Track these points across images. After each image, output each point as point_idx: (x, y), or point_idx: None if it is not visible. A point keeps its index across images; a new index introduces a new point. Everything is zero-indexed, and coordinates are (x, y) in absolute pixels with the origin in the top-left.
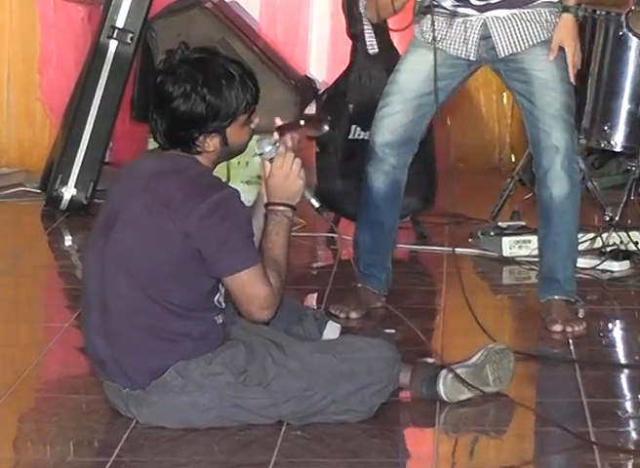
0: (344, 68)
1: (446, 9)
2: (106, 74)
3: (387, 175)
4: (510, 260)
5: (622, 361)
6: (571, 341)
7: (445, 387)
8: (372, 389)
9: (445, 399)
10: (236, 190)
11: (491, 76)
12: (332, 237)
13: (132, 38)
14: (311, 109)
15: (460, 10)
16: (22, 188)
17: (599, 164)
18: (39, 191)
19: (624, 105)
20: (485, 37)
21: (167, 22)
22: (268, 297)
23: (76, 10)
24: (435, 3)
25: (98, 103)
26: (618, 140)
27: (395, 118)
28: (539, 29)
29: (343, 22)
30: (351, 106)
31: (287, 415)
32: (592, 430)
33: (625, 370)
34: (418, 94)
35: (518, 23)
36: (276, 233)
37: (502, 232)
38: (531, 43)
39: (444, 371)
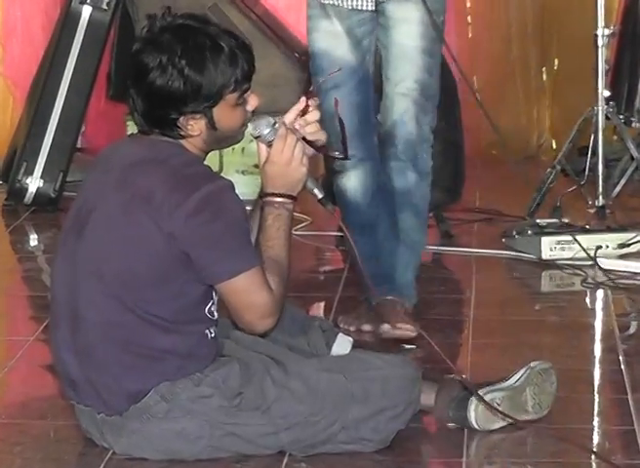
0: None
1: None
2: (79, 45)
3: (357, 169)
4: (551, 264)
5: None
6: (621, 359)
7: (476, 413)
8: (387, 414)
9: (475, 426)
10: (229, 181)
11: (529, 46)
12: (341, 236)
13: (108, 3)
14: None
15: None
16: None
17: None
18: None
19: None
20: None
21: None
22: (270, 305)
23: None
24: None
25: (69, 79)
26: None
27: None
28: None
29: None
30: None
31: (289, 445)
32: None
33: None
34: (352, 69)
35: None
36: (277, 228)
37: (542, 231)
38: None
39: (476, 395)
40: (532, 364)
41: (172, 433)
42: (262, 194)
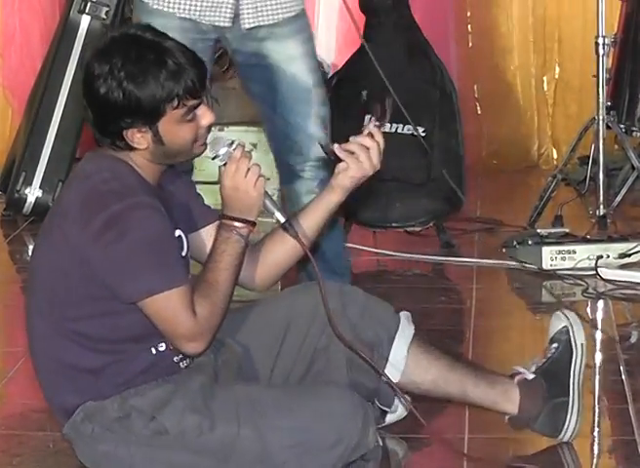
0: (357, 49)
1: None
2: (77, 54)
3: None
4: (551, 274)
5: None
6: (622, 369)
7: (569, 424)
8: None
9: (564, 438)
10: (144, 200)
11: (529, 55)
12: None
13: (107, 12)
14: None
15: None
16: None
17: None
18: None
19: None
20: None
21: None
22: (192, 329)
23: None
24: None
25: (67, 88)
26: None
27: None
28: None
29: None
30: (365, 93)
31: None
32: None
33: None
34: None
35: None
36: (221, 251)
37: (542, 241)
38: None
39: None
40: None
41: (99, 453)
42: (220, 215)
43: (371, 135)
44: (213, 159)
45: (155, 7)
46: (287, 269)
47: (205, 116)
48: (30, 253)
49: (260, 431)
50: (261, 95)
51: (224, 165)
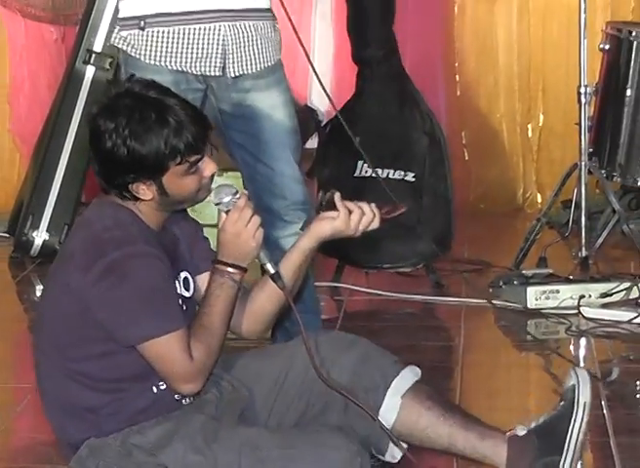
0: (350, 97)
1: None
2: (82, 103)
3: None
4: (536, 313)
5: None
6: (604, 404)
7: None
8: None
9: None
10: (143, 248)
11: (515, 103)
12: (336, 287)
13: (111, 63)
14: (313, 143)
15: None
16: None
17: (636, 205)
18: (6, 235)
19: None
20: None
21: None
22: (188, 372)
23: (49, 31)
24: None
25: (73, 135)
26: None
27: None
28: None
29: (349, 46)
30: (358, 139)
31: None
32: None
33: None
34: None
35: None
36: (216, 296)
37: (527, 281)
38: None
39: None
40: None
41: None
42: (213, 260)
43: (372, 210)
44: (216, 205)
45: (147, 62)
46: (273, 317)
47: (208, 167)
48: (39, 295)
49: None
50: (243, 142)
51: (227, 212)
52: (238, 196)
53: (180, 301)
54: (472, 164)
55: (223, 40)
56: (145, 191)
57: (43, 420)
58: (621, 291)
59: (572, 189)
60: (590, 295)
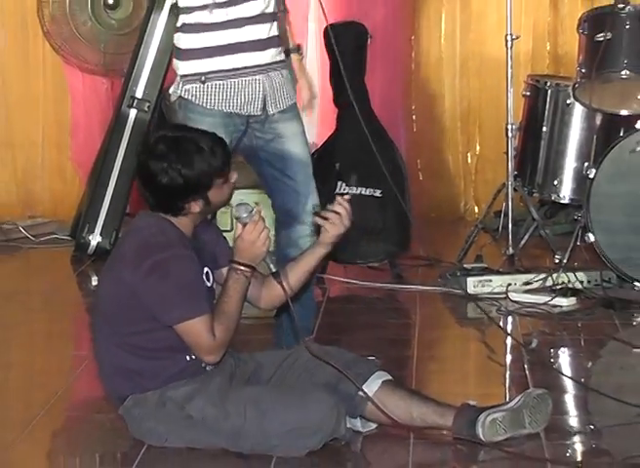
0: (332, 132)
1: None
2: (127, 138)
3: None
4: (474, 297)
5: (571, 380)
6: (526, 366)
7: (483, 429)
8: (302, 432)
9: (483, 440)
10: (183, 252)
11: (458, 137)
12: (321, 277)
13: (149, 107)
14: None
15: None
16: (55, 236)
17: (550, 214)
18: (69, 238)
19: (571, 163)
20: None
21: None
22: (211, 347)
23: (101, 82)
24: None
25: (119, 163)
26: (566, 194)
27: None
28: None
29: (331, 92)
30: (338, 165)
31: (232, 447)
32: (545, 443)
33: (573, 391)
34: None
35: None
36: (234, 289)
37: (467, 273)
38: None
39: (482, 415)
40: (529, 390)
41: (144, 429)
42: (230, 260)
43: (340, 204)
44: (236, 219)
45: (206, 107)
46: (280, 300)
47: (233, 175)
48: (95, 284)
49: (261, 423)
50: (272, 161)
51: (244, 224)
52: (253, 213)
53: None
54: (425, 183)
55: (262, 88)
56: (195, 207)
57: (96, 381)
58: (539, 280)
59: (501, 202)
60: (515, 284)
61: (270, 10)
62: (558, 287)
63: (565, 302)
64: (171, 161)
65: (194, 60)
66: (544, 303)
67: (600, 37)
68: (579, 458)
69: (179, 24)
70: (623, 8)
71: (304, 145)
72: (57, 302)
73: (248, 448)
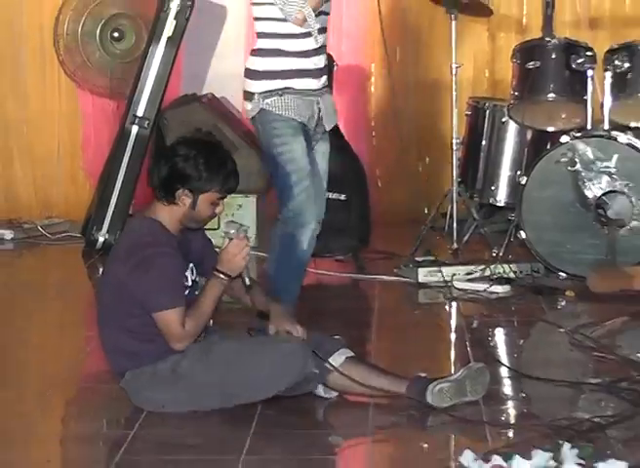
0: None
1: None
2: (130, 150)
3: (314, 236)
4: (424, 285)
5: (506, 357)
6: (468, 343)
7: (432, 397)
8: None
9: (432, 405)
10: (168, 250)
11: (411, 150)
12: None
13: (148, 124)
14: None
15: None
16: (68, 234)
17: (488, 215)
18: (80, 236)
19: (506, 172)
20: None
21: (175, 112)
22: (180, 336)
23: (108, 103)
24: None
25: (124, 171)
26: (501, 198)
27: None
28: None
29: None
30: None
31: (220, 403)
32: (484, 409)
33: (507, 364)
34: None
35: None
36: (211, 292)
37: (419, 265)
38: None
39: (431, 385)
40: (470, 364)
41: (143, 398)
42: (213, 267)
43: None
44: (224, 234)
45: (282, 114)
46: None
47: (220, 206)
48: (100, 276)
49: (242, 368)
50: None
51: (230, 239)
52: (240, 231)
53: (190, 284)
54: (383, 189)
55: (319, 107)
56: (184, 200)
57: (103, 357)
58: (479, 271)
59: (447, 205)
60: (459, 274)
61: (325, 43)
62: (495, 276)
63: (500, 289)
64: (199, 154)
65: (273, 80)
66: (483, 290)
67: (530, 65)
68: (512, 421)
69: (255, 48)
70: (550, 41)
71: (326, 163)
72: (69, 291)
73: (231, 396)
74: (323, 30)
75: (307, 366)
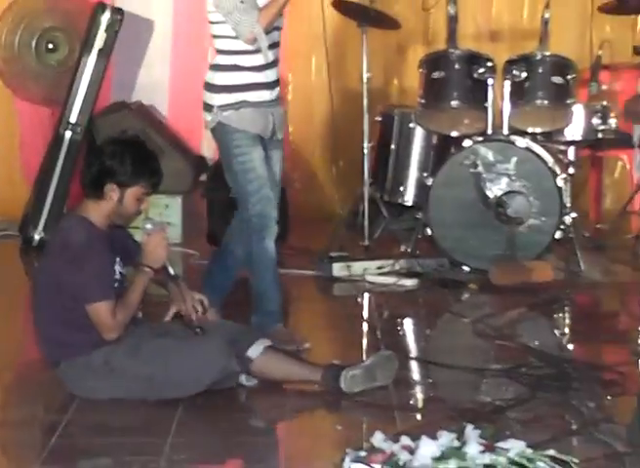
0: None
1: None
2: (63, 154)
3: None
4: (339, 279)
5: (414, 344)
6: (379, 333)
7: (345, 383)
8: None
9: (345, 390)
10: (98, 246)
11: (327, 154)
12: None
13: (80, 129)
14: (203, 177)
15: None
16: (6, 232)
17: (398, 213)
18: (18, 234)
19: (414, 174)
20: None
21: (105, 119)
22: (111, 327)
23: (43, 110)
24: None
25: (58, 174)
26: (409, 198)
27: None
28: None
29: None
30: None
31: (144, 392)
32: (393, 393)
33: (415, 351)
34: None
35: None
36: (137, 284)
37: (333, 260)
38: None
39: (344, 372)
40: (380, 352)
41: (77, 386)
42: (137, 262)
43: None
44: (144, 230)
45: (238, 128)
46: None
47: (145, 202)
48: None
49: (167, 366)
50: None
51: (149, 234)
52: (157, 227)
53: (118, 277)
54: (301, 191)
55: (273, 118)
56: (112, 194)
57: (37, 347)
58: (389, 265)
59: (360, 205)
60: (370, 268)
61: (277, 57)
62: (403, 270)
63: (409, 283)
64: (125, 151)
65: (230, 93)
66: (393, 283)
67: (435, 75)
68: (419, 405)
69: (213, 63)
70: (453, 52)
71: (280, 169)
72: (7, 285)
73: (158, 391)
74: (275, 45)
75: (230, 365)
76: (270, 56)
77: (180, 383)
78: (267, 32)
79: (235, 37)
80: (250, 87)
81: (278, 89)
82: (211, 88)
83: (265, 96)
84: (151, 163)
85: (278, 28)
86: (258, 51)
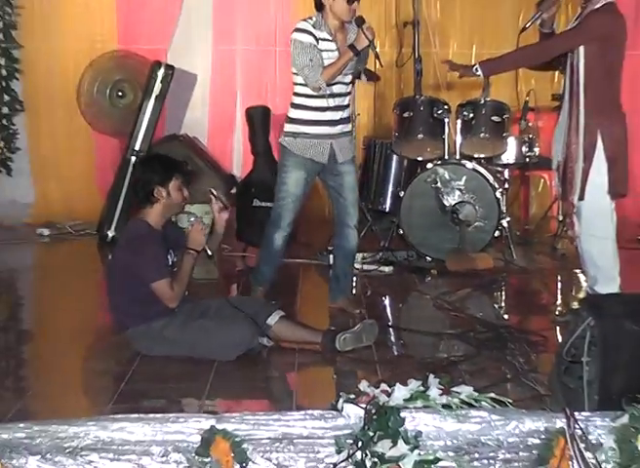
0: (250, 170)
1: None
2: (130, 173)
3: (285, 237)
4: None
5: (390, 315)
6: (364, 306)
7: (339, 343)
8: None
9: (339, 350)
10: (153, 240)
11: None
12: (244, 256)
13: (142, 153)
14: (233, 190)
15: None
16: (87, 231)
17: (379, 218)
18: (96, 233)
19: (390, 188)
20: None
21: (161, 147)
22: (172, 297)
23: (115, 140)
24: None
25: (125, 188)
26: (387, 206)
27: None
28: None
29: (249, 146)
30: (253, 189)
31: (192, 352)
32: (375, 351)
33: (391, 319)
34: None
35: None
36: (186, 263)
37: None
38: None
39: (339, 335)
40: (365, 320)
41: (143, 346)
42: (184, 246)
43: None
44: (188, 223)
45: (296, 153)
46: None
47: (185, 192)
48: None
49: (207, 339)
50: (335, 187)
51: (192, 225)
52: (196, 219)
53: (170, 263)
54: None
55: (330, 147)
56: (161, 193)
57: (111, 318)
58: (371, 256)
59: None
60: (358, 258)
61: (341, 103)
62: (382, 260)
63: (386, 270)
64: (150, 162)
65: (294, 125)
66: (374, 270)
67: (406, 115)
68: (394, 360)
69: (292, 102)
70: (419, 98)
71: (354, 179)
72: (89, 271)
73: (199, 354)
74: (337, 95)
75: (253, 343)
76: (331, 102)
77: (215, 354)
78: (329, 84)
79: (305, 85)
80: (310, 122)
81: (341, 126)
82: (286, 118)
83: (326, 130)
84: (173, 160)
85: (343, 83)
86: (319, 97)
